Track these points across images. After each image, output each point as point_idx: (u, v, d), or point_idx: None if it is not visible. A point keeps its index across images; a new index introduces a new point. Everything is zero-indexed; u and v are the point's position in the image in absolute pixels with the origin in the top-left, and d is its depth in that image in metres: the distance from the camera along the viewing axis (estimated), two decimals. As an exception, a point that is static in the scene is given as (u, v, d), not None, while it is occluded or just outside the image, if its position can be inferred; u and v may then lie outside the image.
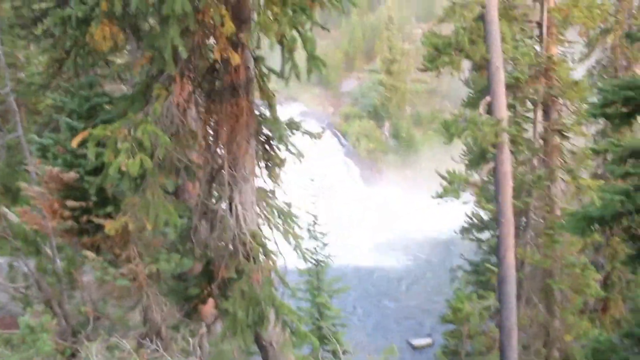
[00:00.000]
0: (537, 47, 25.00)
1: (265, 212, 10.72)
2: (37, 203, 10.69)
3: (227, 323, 9.99)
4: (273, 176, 10.98)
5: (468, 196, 23.33)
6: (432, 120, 55.94)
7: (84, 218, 10.43)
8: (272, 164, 10.94)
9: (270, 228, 10.81)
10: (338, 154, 60.19)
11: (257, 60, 9.93)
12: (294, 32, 9.06)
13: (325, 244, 23.58)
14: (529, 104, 24.65)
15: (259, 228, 10.52)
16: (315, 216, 23.70)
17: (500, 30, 22.55)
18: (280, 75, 9.70)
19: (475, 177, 22.99)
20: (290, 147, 10.75)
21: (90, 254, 10.00)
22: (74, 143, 8.85)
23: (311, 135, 11.31)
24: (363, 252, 45.36)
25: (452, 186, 22.00)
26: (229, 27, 8.43)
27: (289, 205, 11.33)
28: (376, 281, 40.95)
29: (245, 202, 10.14)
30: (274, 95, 10.45)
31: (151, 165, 8.62)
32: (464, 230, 27.59)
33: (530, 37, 25.00)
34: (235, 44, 8.83)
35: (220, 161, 10.03)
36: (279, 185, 11.08)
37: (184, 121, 9.82)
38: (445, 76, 25.04)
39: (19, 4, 26.55)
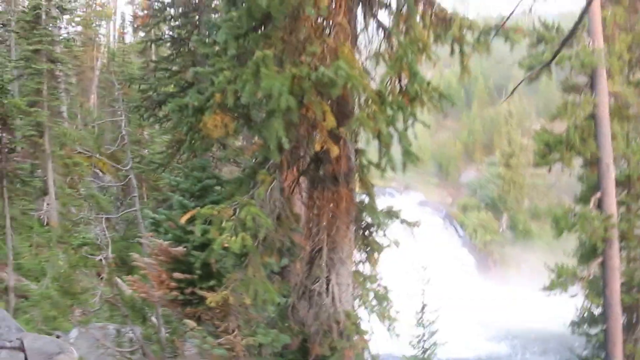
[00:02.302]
0: (651, 146, 24.71)
1: (361, 293, 11.12)
2: (146, 273, 11.39)
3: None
4: (371, 261, 11.41)
5: (576, 290, 23.06)
6: (549, 214, 55.12)
7: (189, 290, 11.04)
8: (371, 249, 11.38)
9: (366, 309, 11.18)
10: (455, 244, 59.83)
11: (358, 152, 10.48)
12: (391, 129, 9.60)
13: (433, 332, 23.51)
14: (642, 202, 24.29)
15: (354, 308, 10.88)
16: (424, 303, 23.72)
17: (612, 128, 22.54)
18: (378, 167, 10.26)
19: (584, 271, 22.73)
20: (386, 234, 11.19)
21: (191, 323, 10.58)
22: (183, 220, 9.60)
23: (409, 224, 11.68)
24: (473, 342, 44.46)
25: (559, 279, 21.92)
26: (330, 121, 9.04)
27: (385, 289, 11.66)
28: None
29: (342, 284, 10.57)
30: (372, 185, 10.99)
31: (252, 243, 9.19)
32: (574, 324, 26.93)
33: (644, 136, 24.78)
34: (336, 137, 9.39)
35: (320, 244, 10.51)
36: (375, 269, 11.48)
37: (287, 205, 10.44)
38: (565, 171, 25.13)
39: (146, 87, 28.34)
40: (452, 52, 10.25)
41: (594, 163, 22.71)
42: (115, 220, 31.84)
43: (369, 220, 11.22)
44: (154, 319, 12.65)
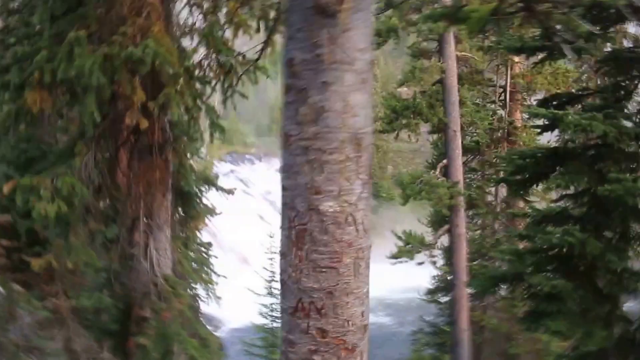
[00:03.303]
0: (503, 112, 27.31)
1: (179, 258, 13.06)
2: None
3: (139, 356, 12.20)
4: (188, 226, 13.33)
5: (426, 258, 25.31)
6: (413, 181, 57.94)
7: (16, 256, 12.65)
8: (188, 216, 13.30)
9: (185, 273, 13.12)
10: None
11: (172, 125, 12.29)
12: (198, 102, 11.52)
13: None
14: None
15: (173, 272, 12.76)
16: (272, 272, 25.95)
17: (461, 94, 24.82)
18: (191, 138, 12.19)
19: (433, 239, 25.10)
20: (204, 201, 13.14)
21: (15, 286, 12.24)
22: (5, 190, 11.14)
23: (225, 191, 13.64)
24: None
25: (406, 247, 24.04)
26: (140, 96, 10.80)
27: (207, 252, 13.61)
28: None
29: (159, 249, 12.39)
30: (185, 155, 12.90)
31: (68, 211, 10.89)
32: (429, 293, 29.53)
33: (493, 102, 27.23)
34: (149, 112, 11.16)
35: (138, 212, 12.30)
36: (194, 235, 13.42)
37: (109, 176, 12.20)
38: (411, 138, 27.46)
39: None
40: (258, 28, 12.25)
41: (441, 130, 24.99)
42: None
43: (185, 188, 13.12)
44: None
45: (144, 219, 12.28)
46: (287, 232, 3.65)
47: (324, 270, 3.53)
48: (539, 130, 13.39)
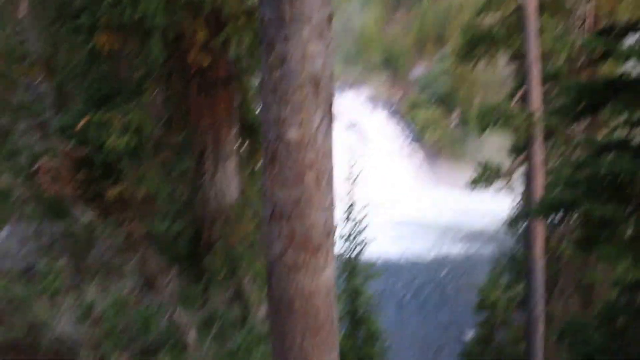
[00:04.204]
0: (583, 41, 27.23)
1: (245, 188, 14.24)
2: (55, 175, 14.25)
3: (208, 276, 13.48)
4: (253, 157, 14.43)
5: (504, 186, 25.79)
6: (489, 111, 57.85)
7: (92, 187, 13.99)
8: (253, 147, 14.40)
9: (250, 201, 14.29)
10: (405, 140, 63.71)
11: (237, 60, 13.29)
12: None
13: (362, 229, 26.64)
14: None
15: (239, 200, 13.92)
16: (353, 201, 26.87)
17: (541, 22, 24.91)
18: (253, 73, 13.24)
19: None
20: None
21: (91, 214, 13.60)
22: (78, 127, 12.44)
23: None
24: (402, 239, 48.69)
25: (484, 175, 24.59)
26: (202, 35, 11.85)
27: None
28: (417, 270, 44.65)
29: (226, 178, 13.56)
30: (249, 89, 13.92)
31: (137, 144, 12.11)
32: (512, 222, 30.02)
33: (573, 29, 27.16)
34: (210, 49, 12.20)
35: (205, 143, 13.45)
36: (256, 165, 14.53)
37: (178, 110, 13.38)
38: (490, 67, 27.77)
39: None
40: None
41: (520, 59, 25.19)
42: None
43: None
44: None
45: (212, 150, 13.40)
46: (264, 155, 4.67)
47: (291, 185, 4.55)
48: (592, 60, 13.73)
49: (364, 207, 27.06)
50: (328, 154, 4.60)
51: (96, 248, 14.26)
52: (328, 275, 4.78)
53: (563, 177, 14.40)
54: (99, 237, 13.50)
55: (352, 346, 24.56)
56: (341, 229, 26.29)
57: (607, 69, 25.72)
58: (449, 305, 39.27)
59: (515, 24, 24.56)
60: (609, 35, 13.21)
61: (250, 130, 14.22)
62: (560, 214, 14.99)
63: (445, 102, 65.79)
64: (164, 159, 13.69)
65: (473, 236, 48.37)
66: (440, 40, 71.41)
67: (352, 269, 26.20)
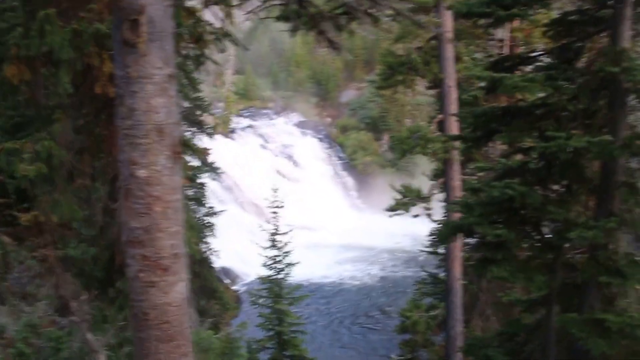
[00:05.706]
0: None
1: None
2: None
3: (121, 300, 14.25)
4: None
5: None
6: (409, 136, 59.10)
7: (7, 213, 14.74)
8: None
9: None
10: (334, 166, 65.14)
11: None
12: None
13: (286, 254, 27.52)
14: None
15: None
16: (277, 226, 27.75)
17: (457, 49, 26.00)
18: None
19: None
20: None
21: (6, 239, 14.35)
22: (-7, 153, 13.16)
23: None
24: (330, 263, 50.21)
25: (403, 200, 25.47)
26: (108, 67, 12.71)
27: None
28: (345, 293, 45.83)
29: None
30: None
31: (46, 170, 12.88)
32: (432, 244, 31.12)
33: (492, 56, 28.32)
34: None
35: (118, 170, 14.26)
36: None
37: (89, 138, 14.15)
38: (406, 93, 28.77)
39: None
40: None
41: (437, 85, 26.25)
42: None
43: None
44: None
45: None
46: (121, 190, 5.65)
47: (142, 215, 5.55)
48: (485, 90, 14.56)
49: (290, 231, 27.87)
50: (174, 188, 5.60)
51: (11, 272, 14.99)
52: (178, 290, 5.76)
53: (462, 202, 15.32)
54: (14, 261, 14.21)
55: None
56: (266, 253, 27.19)
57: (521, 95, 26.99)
58: (378, 326, 40.26)
59: (433, 52, 25.47)
60: (498, 68, 14.20)
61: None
62: (461, 237, 15.84)
63: (375, 126, 67.35)
64: (79, 185, 14.41)
65: (402, 259, 49.56)
66: (369, 64, 72.75)
67: (278, 292, 26.91)
